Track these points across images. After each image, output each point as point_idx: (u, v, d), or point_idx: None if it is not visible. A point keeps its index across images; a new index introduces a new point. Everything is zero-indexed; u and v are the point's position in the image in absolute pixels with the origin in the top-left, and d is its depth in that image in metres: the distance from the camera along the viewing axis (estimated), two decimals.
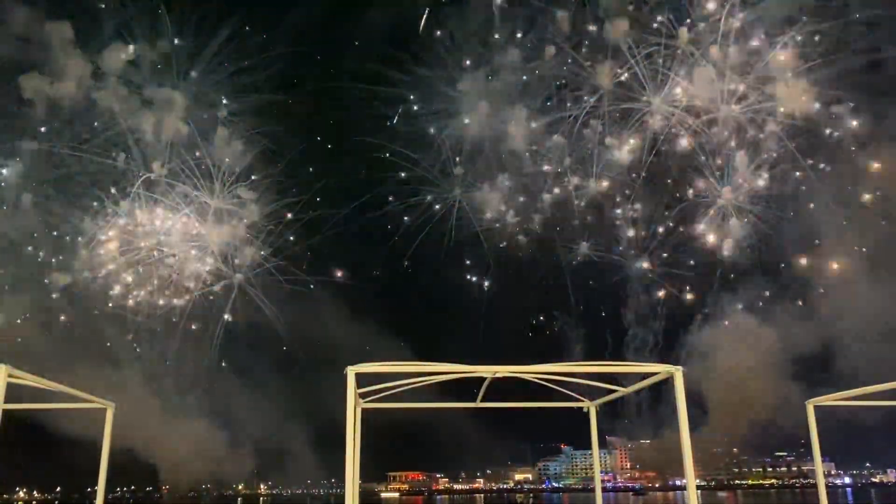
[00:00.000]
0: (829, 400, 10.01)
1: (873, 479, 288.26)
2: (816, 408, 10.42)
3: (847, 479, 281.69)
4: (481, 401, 9.66)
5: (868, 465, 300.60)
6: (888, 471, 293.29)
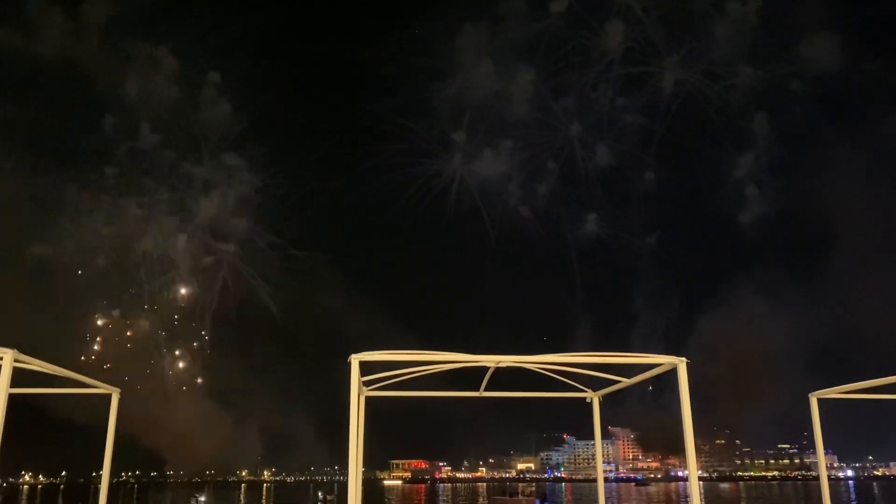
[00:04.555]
0: (833, 393, 9.98)
1: (875, 472, 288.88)
2: (821, 400, 10.39)
3: (850, 472, 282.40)
4: (484, 390, 9.66)
5: (871, 458, 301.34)
6: (891, 464, 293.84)
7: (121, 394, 9.67)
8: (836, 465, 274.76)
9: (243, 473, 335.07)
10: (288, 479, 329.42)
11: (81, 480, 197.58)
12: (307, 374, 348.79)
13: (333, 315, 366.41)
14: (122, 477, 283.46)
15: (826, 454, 10.72)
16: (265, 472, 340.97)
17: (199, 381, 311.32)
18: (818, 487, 11.54)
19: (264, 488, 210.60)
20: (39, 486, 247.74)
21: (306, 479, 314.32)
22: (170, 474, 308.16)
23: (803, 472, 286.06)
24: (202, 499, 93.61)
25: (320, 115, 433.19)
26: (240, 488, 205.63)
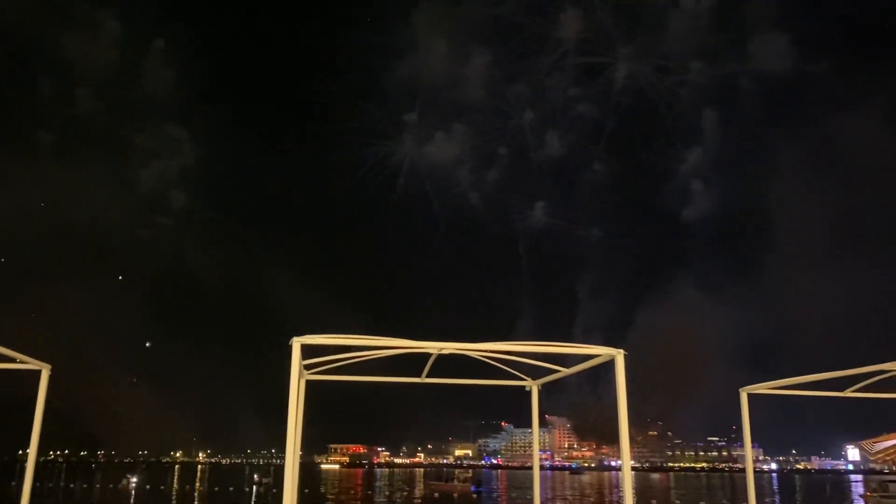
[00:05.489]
0: (762, 388, 10.34)
1: (798, 466, 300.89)
2: (750, 395, 10.74)
3: (773, 465, 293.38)
4: (427, 376, 9.70)
5: (794, 452, 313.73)
6: (812, 458, 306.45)
7: (51, 370, 9.40)
8: (761, 457, 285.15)
9: (177, 455, 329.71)
10: (224, 461, 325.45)
11: (6, 458, 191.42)
12: (247, 355, 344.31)
13: (277, 295, 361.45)
14: (51, 456, 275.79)
15: (753, 447, 11.11)
16: (200, 454, 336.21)
17: (133, 358, 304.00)
18: (744, 479, 11.96)
19: (199, 470, 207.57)
20: None
21: (243, 462, 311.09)
22: (100, 454, 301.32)
23: (730, 464, 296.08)
24: (134, 480, 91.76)
25: (269, 88, 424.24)
26: (173, 469, 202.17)
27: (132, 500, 64.18)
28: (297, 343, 6.97)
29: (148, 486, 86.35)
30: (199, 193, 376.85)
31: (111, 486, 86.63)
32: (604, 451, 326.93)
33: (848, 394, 10.73)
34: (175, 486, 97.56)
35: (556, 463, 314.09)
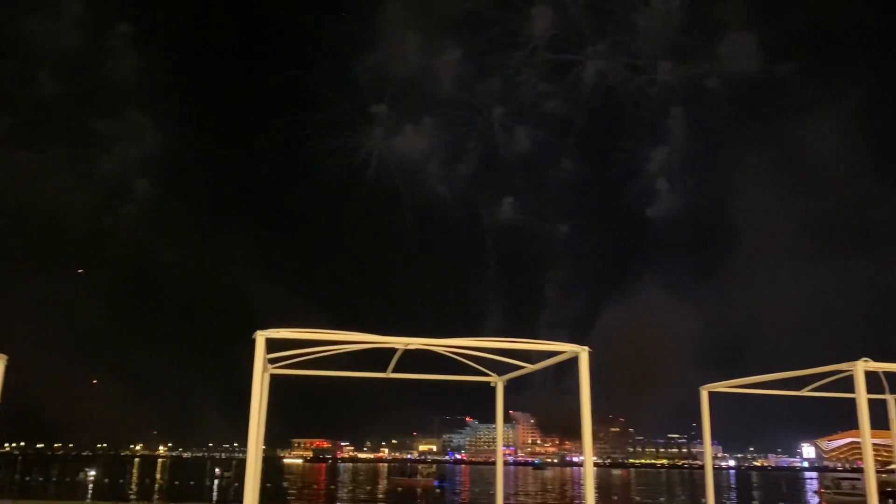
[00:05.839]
0: (721, 387, 10.52)
1: (755, 463, 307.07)
2: (711, 393, 10.92)
3: (732, 462, 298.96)
4: (392, 372, 9.69)
5: (751, 449, 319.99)
6: (769, 455, 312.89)
7: (8, 361, 9.18)
8: (720, 455, 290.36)
9: (137, 448, 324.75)
10: (185, 455, 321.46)
11: None
12: (211, 348, 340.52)
13: (242, 287, 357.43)
14: (6, 448, 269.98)
15: (712, 445, 11.30)
16: (161, 447, 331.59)
17: (94, 350, 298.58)
18: (703, 475, 12.15)
19: (159, 463, 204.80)
20: None
21: (204, 456, 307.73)
22: (58, 447, 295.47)
23: (690, 460, 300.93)
24: (91, 473, 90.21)
25: (237, 77, 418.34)
26: (133, 463, 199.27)
27: (89, 494, 63.11)
28: (261, 337, 6.92)
29: (106, 480, 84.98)
30: (163, 182, 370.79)
31: (68, 478, 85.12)
32: (566, 446, 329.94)
33: (805, 393, 10.98)
34: (134, 479, 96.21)
35: (520, 458, 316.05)
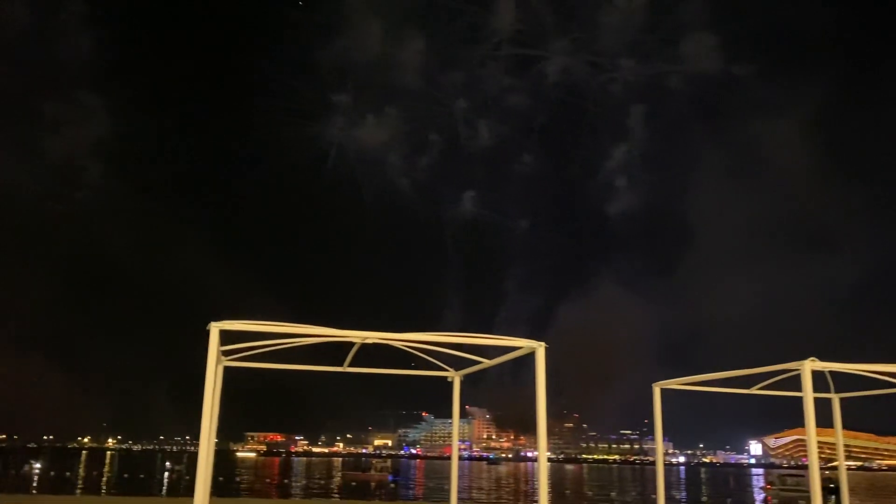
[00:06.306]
0: (674, 384, 10.70)
1: (704, 459, 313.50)
2: (663, 390, 11.10)
3: (682, 458, 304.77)
4: (349, 366, 9.63)
5: (701, 446, 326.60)
6: (718, 452, 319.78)
7: None
8: (671, 451, 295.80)
9: (85, 440, 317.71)
10: (135, 447, 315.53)
11: None
12: (163, 338, 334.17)
13: (196, 277, 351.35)
14: None
15: (663, 441, 11.49)
16: (110, 440, 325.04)
17: (41, 339, 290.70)
18: (653, 471, 12.35)
19: (108, 456, 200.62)
20: None
21: (155, 449, 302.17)
22: (2, 438, 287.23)
23: (642, 456, 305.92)
24: (37, 466, 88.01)
25: (194, 60, 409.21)
26: (80, 456, 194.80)
27: (34, 487, 61.54)
28: (215, 328, 6.81)
29: (52, 473, 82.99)
30: (115, 168, 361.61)
31: (13, 471, 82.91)
32: (521, 441, 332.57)
33: (754, 391, 11.23)
34: (81, 472, 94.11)
35: (475, 453, 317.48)
